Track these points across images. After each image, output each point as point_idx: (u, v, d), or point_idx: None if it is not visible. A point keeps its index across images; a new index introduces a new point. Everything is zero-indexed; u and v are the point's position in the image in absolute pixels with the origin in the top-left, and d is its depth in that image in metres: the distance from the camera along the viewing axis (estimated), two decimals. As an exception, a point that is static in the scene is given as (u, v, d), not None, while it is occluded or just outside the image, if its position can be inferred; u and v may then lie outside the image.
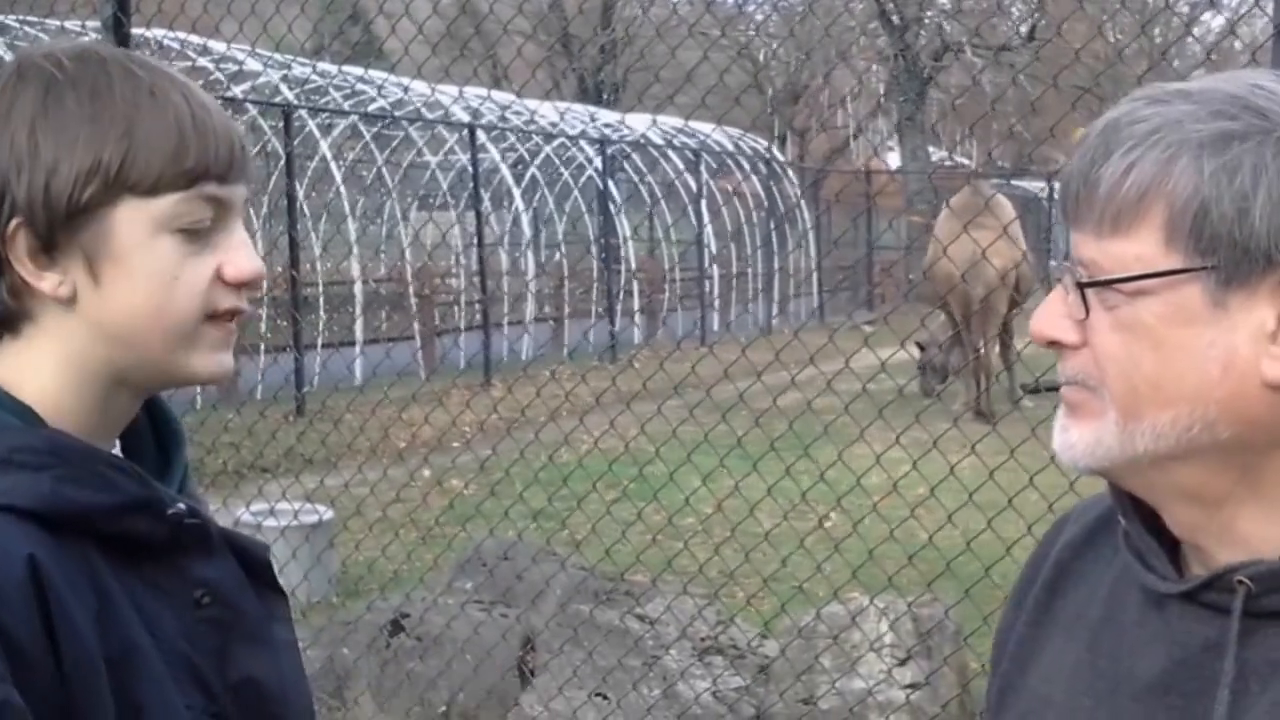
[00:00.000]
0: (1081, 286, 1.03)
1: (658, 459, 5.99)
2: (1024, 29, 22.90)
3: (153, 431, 1.33)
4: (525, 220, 17.11)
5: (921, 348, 12.46)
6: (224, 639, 1.25)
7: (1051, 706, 1.16)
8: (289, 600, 1.38)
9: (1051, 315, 1.07)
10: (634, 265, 18.02)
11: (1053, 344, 1.07)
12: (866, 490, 5.26)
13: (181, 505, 1.23)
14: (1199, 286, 0.99)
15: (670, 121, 18.11)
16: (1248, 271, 0.97)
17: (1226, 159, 0.97)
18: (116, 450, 1.27)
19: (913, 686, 4.82)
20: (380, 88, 15.78)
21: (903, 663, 4.88)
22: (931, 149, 24.07)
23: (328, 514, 6.82)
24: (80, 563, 1.16)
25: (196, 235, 1.20)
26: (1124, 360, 1.02)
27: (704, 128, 19.37)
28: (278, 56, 14.27)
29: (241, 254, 1.22)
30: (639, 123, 17.64)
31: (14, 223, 1.17)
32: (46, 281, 1.18)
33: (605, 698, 4.98)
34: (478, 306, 15.32)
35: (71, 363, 1.21)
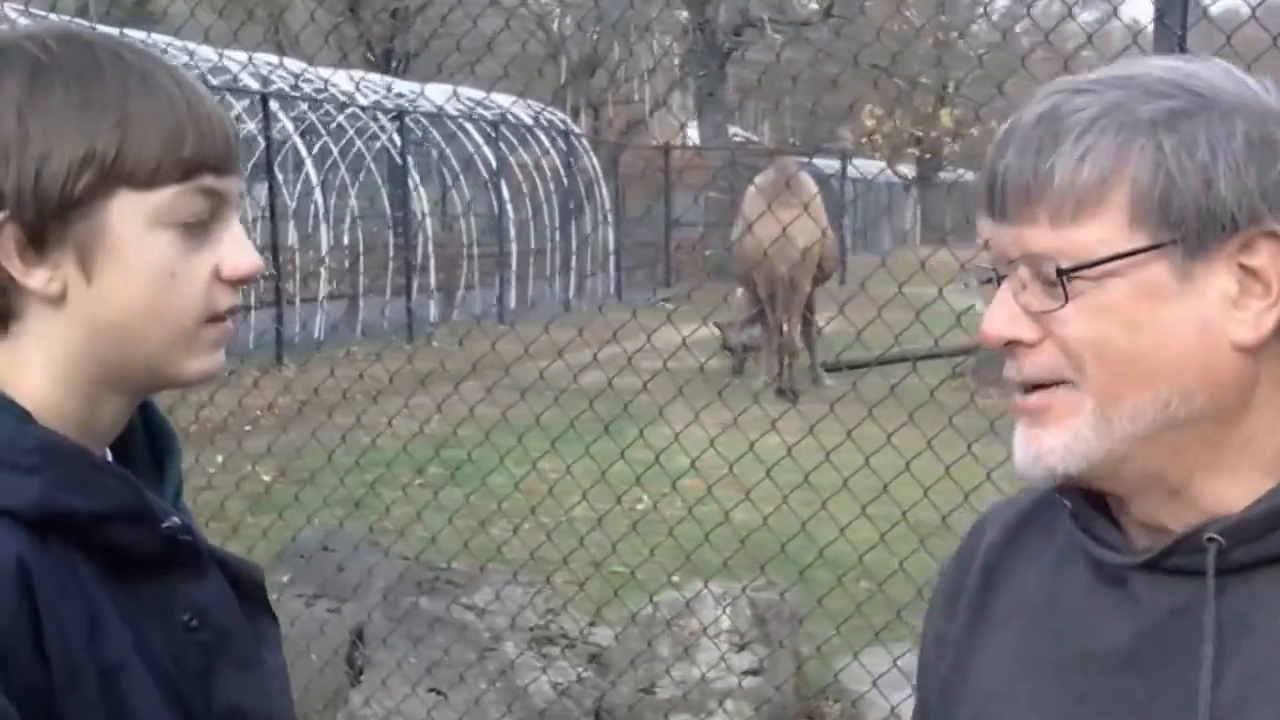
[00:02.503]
0: (1061, 274, 1.04)
1: (463, 442, 5.84)
2: (817, 5, 23.24)
3: (148, 442, 1.28)
4: (318, 193, 16.61)
5: (722, 329, 12.53)
6: (210, 664, 1.21)
7: (995, 698, 1.19)
8: (279, 624, 1.33)
9: (1005, 315, 1.08)
10: (431, 240, 17.68)
11: (1009, 344, 1.08)
12: (674, 472, 5.23)
13: (175, 519, 1.17)
14: (1165, 262, 1.03)
15: (467, 93, 17.81)
16: (1211, 240, 1.02)
17: (1183, 135, 1.02)
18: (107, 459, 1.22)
19: (751, 673, 4.81)
20: (163, 52, 15.08)
21: (740, 649, 4.87)
22: (732, 128, 24.30)
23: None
24: (69, 570, 1.11)
25: (193, 231, 1.15)
26: (1099, 344, 1.04)
27: (502, 100, 19.10)
28: (53, 17, 13.50)
29: (240, 250, 1.18)
30: (436, 94, 17.28)
31: (1, 216, 1.10)
32: (35, 278, 1.12)
33: (439, 692, 4.85)
34: (266, 284, 14.80)
35: (59, 363, 1.15)
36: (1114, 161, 1.02)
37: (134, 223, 1.12)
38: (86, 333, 1.14)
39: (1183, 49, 3.15)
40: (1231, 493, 1.07)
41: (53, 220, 1.10)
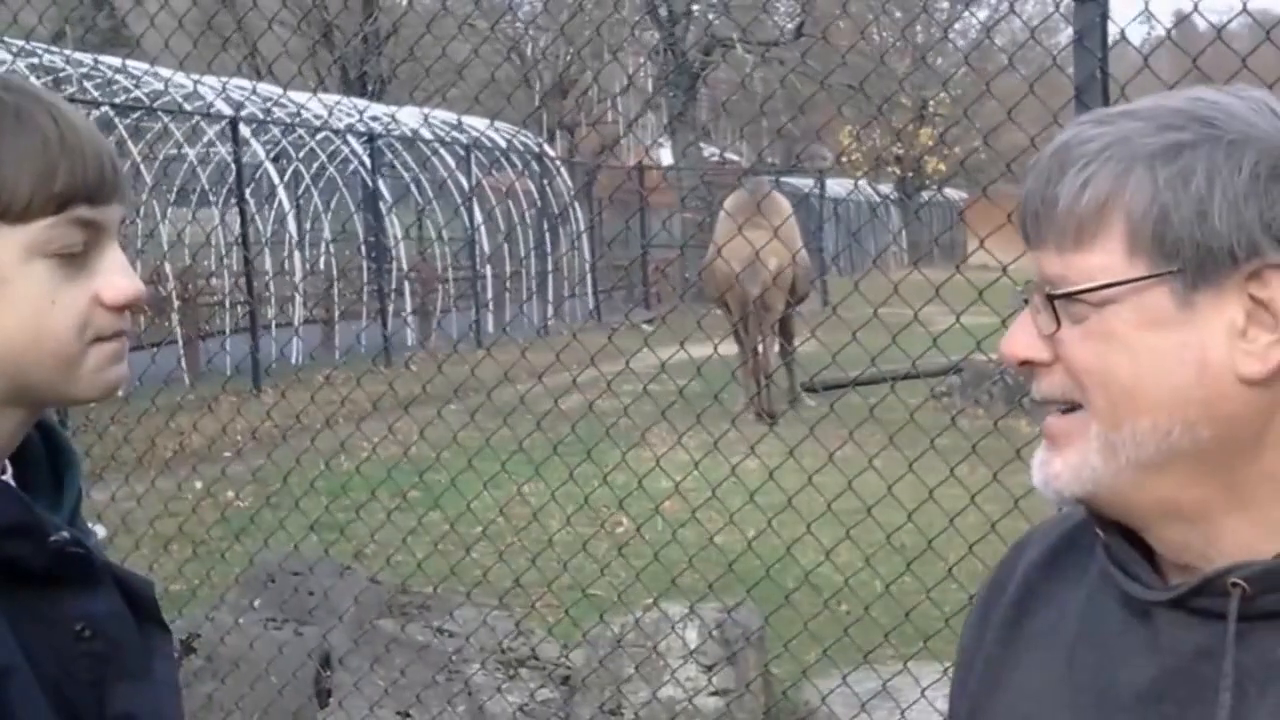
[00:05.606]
0: (1051, 299, 1.05)
1: (440, 465, 5.81)
2: (790, 26, 23.32)
3: (47, 455, 1.31)
4: (291, 218, 16.57)
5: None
6: (103, 673, 1.24)
7: None
8: (173, 637, 1.38)
9: (1021, 336, 1.09)
10: (405, 264, 17.67)
11: (1024, 364, 1.09)
12: (654, 495, 5.23)
13: (65, 533, 1.21)
14: (1166, 290, 1.02)
15: (441, 116, 17.83)
16: (1213, 271, 1.01)
17: (1179, 166, 1.01)
18: (8, 474, 1.25)
19: (720, 693, 4.80)
20: (138, 79, 15.07)
21: (710, 669, 4.86)
22: (703, 146, 24.38)
23: (97, 530, 6.42)
24: None
25: (71, 259, 1.19)
26: (1099, 370, 1.04)
27: (475, 123, 19.11)
28: (22, 44, 13.45)
29: (119, 276, 1.22)
30: (408, 117, 17.30)
31: None
32: None
33: (410, 716, 4.83)
34: (242, 309, 14.76)
35: None
36: (1111, 191, 1.03)
37: (9, 256, 1.17)
38: None
39: (1104, 72, 3.16)
40: (1254, 533, 1.05)
41: None
